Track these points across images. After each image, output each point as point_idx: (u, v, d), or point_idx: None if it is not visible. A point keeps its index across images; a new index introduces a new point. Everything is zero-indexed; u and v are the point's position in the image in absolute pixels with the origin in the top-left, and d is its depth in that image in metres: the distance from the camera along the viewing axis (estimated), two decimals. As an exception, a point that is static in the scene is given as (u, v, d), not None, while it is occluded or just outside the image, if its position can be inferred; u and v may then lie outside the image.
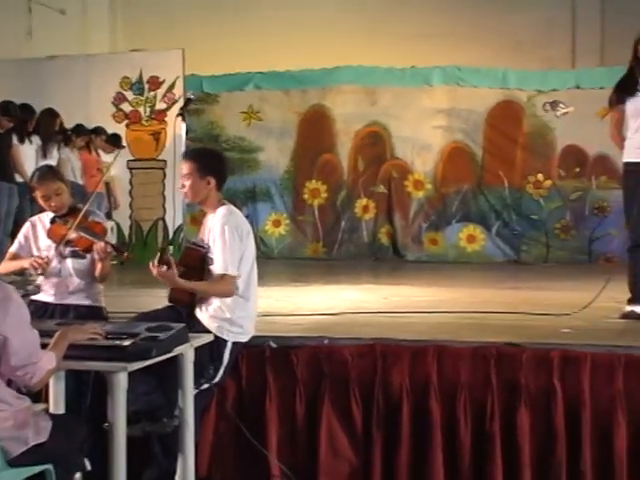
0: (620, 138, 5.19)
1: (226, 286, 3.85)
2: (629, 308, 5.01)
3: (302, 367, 4.03)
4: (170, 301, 3.97)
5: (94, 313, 4.14)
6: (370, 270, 8.59)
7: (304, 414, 4.02)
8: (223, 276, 3.83)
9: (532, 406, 3.79)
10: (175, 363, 3.53)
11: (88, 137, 8.60)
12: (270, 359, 4.07)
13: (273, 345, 4.09)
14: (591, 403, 3.73)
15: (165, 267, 3.75)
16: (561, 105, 9.17)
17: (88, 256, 4.10)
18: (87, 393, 3.92)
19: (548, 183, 9.26)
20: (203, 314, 3.91)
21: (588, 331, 4.44)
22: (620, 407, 3.69)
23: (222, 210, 3.93)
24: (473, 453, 3.83)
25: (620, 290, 5.16)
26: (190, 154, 4.24)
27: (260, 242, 9.59)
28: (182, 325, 3.52)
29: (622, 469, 3.68)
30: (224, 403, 4.07)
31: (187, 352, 3.52)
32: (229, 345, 3.89)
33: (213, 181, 3.94)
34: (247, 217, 9.88)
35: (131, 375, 3.19)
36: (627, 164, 5.11)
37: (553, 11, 10.14)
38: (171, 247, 4.34)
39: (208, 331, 3.83)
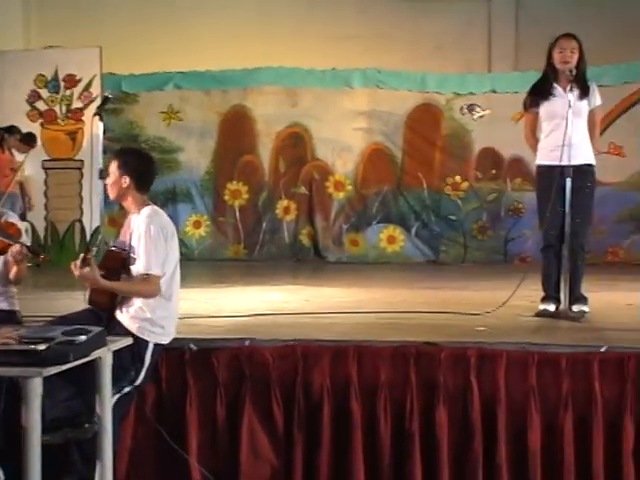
0: (534, 141, 5.35)
1: (150, 286, 3.82)
2: (542, 307, 5.16)
3: (223, 369, 4.01)
4: (89, 304, 3.92)
5: (8, 317, 4.04)
6: (291, 271, 8.60)
7: (225, 416, 4.00)
8: (147, 276, 3.81)
9: (450, 403, 3.86)
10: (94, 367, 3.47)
11: (1, 136, 8.36)
12: (190, 362, 4.03)
13: (193, 347, 4.06)
14: (506, 399, 3.82)
15: (87, 268, 3.70)
16: (478, 108, 9.36)
17: (1, 258, 4.00)
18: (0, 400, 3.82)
19: (465, 185, 9.44)
20: (124, 315, 3.86)
21: (503, 329, 4.55)
22: (534, 403, 3.79)
23: (147, 210, 3.91)
24: (393, 451, 3.88)
25: (534, 289, 5.30)
26: (115, 152, 4.25)
27: (180, 243, 9.44)
28: (100, 328, 3.46)
29: (536, 462, 3.78)
30: (143, 407, 4.02)
31: (105, 356, 3.46)
32: (150, 346, 3.85)
33: (128, 180, 3.92)
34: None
35: (49, 381, 3.12)
36: (540, 166, 5.25)
37: (470, 17, 10.33)
38: (95, 248, 4.28)
39: (129, 333, 3.78)
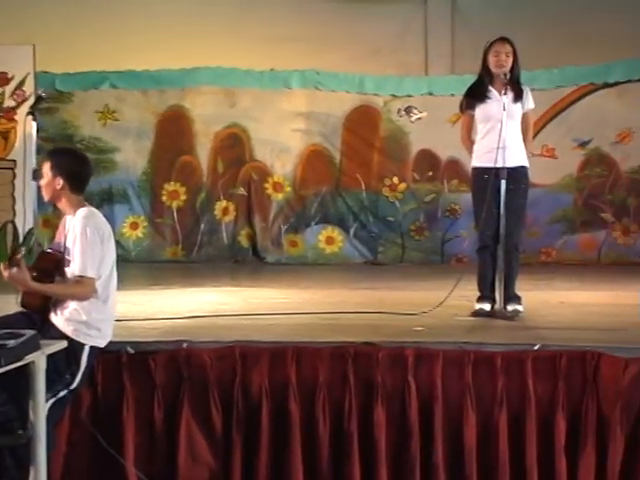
0: (470, 142, 5.44)
1: (83, 289, 3.77)
2: (478, 306, 5.25)
3: (160, 372, 3.98)
4: (22, 306, 3.85)
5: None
6: (230, 273, 8.56)
7: (162, 420, 3.97)
8: (81, 278, 3.76)
9: (388, 403, 3.89)
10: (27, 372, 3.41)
11: None
12: (127, 365, 3.99)
13: (130, 350, 4.01)
14: (443, 398, 3.87)
15: (15, 268, 3.64)
16: (415, 110, 9.46)
17: None
18: None
19: (403, 186, 9.52)
20: (58, 318, 3.80)
21: (440, 329, 4.61)
22: (470, 401, 3.85)
23: (82, 211, 3.87)
24: (332, 452, 3.90)
25: (470, 289, 5.38)
26: (48, 152, 4.20)
27: (117, 245, 9.33)
28: (33, 332, 3.40)
29: (472, 459, 3.84)
30: (78, 412, 3.96)
31: (39, 360, 3.40)
32: (86, 349, 3.80)
33: (61, 181, 3.87)
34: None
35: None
36: (475, 168, 5.34)
37: (407, 20, 10.41)
38: (23, 248, 4.22)
39: (64, 336, 3.73)
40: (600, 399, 3.82)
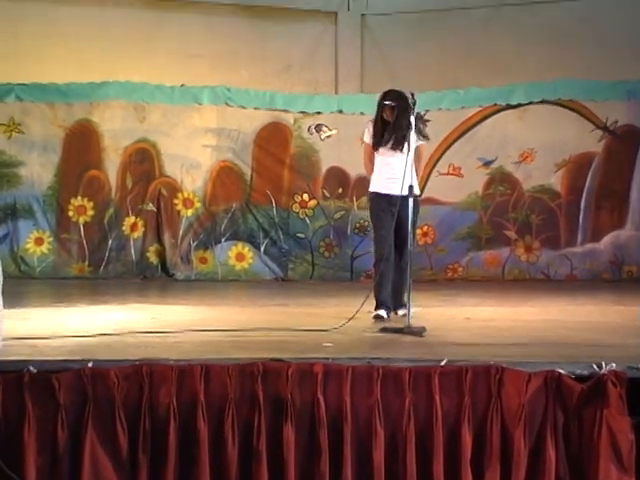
0: (372, 169, 5.93)
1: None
2: (376, 313, 5.67)
3: (64, 392, 3.86)
4: None
5: None
6: (138, 290, 8.44)
7: (66, 440, 3.85)
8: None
9: (297, 420, 3.88)
10: None
11: None
12: (29, 385, 3.86)
13: (33, 370, 3.89)
14: (352, 414, 3.88)
15: None
16: (325, 128, 9.56)
17: None
18: None
19: (313, 203, 9.60)
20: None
21: (349, 345, 4.64)
22: (378, 416, 3.87)
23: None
24: (240, 471, 3.85)
25: (379, 305, 5.46)
26: None
27: (21, 261, 9.17)
28: None
29: (380, 474, 3.85)
30: (-24, 434, 3.82)
31: None
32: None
33: None
34: (6, 235, 9.44)
35: None
36: (371, 193, 5.95)
37: (318, 38, 10.54)
38: None
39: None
40: (504, 412, 3.90)
